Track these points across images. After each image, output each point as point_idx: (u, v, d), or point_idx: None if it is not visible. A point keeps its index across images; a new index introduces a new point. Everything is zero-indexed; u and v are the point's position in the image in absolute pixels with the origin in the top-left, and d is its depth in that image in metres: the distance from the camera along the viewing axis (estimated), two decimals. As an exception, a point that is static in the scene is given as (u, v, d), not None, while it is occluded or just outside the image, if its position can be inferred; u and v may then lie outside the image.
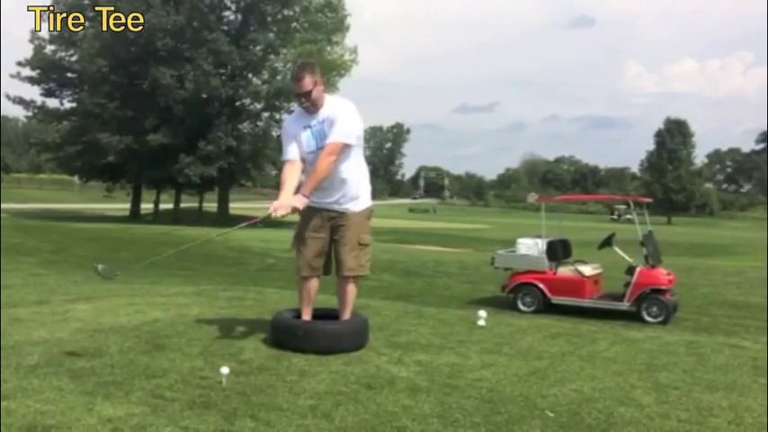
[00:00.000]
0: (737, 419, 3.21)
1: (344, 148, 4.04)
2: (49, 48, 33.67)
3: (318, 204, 4.12)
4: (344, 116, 4.06)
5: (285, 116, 34.57)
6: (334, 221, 4.17)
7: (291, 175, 4.05)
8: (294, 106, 4.30)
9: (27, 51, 33.35)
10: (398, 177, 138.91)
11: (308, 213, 4.11)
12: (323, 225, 4.15)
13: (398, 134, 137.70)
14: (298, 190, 4.00)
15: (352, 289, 4.27)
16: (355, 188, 4.19)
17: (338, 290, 4.30)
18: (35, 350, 3.80)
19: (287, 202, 3.89)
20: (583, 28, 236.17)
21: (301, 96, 4.06)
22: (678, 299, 9.03)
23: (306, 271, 4.20)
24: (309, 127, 4.09)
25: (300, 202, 3.90)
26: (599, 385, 3.65)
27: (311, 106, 4.07)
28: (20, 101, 33.60)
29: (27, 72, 33.03)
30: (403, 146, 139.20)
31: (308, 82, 3.99)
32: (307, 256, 4.18)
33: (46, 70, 33.23)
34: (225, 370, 3.34)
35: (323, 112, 4.08)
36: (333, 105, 4.11)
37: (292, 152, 4.10)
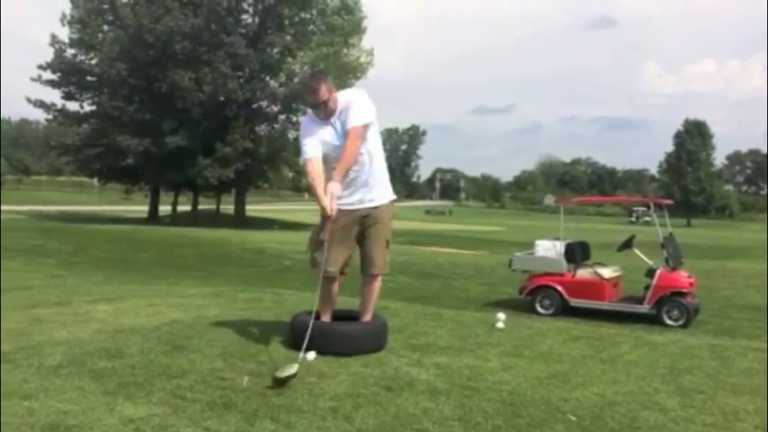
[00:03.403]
0: (764, 424, 3.16)
1: (366, 129, 4.01)
2: (70, 51, 34.04)
3: (349, 205, 4.08)
4: (356, 101, 4.05)
5: (302, 118, 34.66)
6: (365, 219, 4.14)
7: (319, 171, 3.99)
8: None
9: (48, 55, 33.74)
10: (414, 179, 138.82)
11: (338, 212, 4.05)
12: (352, 223, 4.12)
13: (414, 136, 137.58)
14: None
15: (378, 288, 4.25)
16: (382, 180, 4.22)
17: (363, 289, 4.25)
18: (57, 350, 3.82)
19: (329, 194, 3.85)
20: (602, 29, 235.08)
21: (318, 106, 4.04)
22: (699, 302, 8.92)
23: (334, 270, 4.13)
24: (331, 124, 4.06)
25: (337, 188, 3.89)
26: (621, 389, 3.60)
27: (326, 115, 4.05)
28: (40, 104, 33.98)
29: (48, 75, 33.42)
30: (419, 148, 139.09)
31: (323, 92, 3.99)
32: (336, 256, 4.11)
33: (66, 74, 33.59)
34: (311, 355, 3.70)
35: (339, 108, 4.06)
36: (344, 97, 4.10)
37: (314, 149, 4.01)
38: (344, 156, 3.92)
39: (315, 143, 4.02)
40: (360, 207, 4.13)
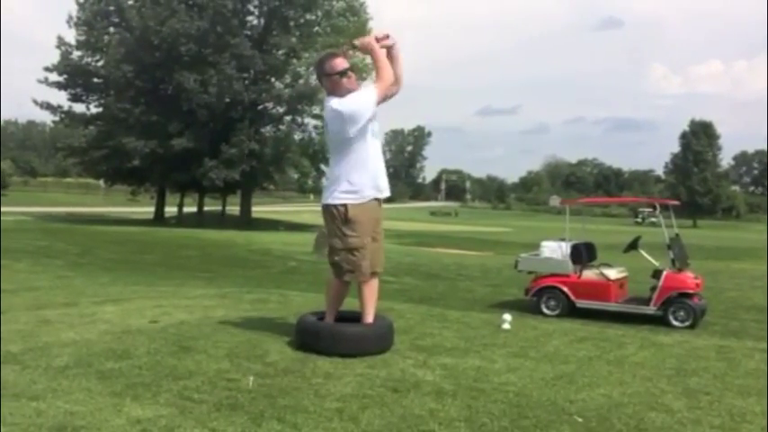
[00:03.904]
0: (771, 426, 3.14)
1: (383, 92, 4.03)
2: (76, 53, 34.20)
3: (381, 193, 4.08)
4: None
5: (309, 120, 34.73)
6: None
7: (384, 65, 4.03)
8: (321, 110, 4.29)
9: (54, 57, 33.93)
10: (419, 180, 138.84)
11: (372, 209, 4.05)
12: (378, 218, 4.13)
13: (419, 137, 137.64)
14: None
15: (377, 287, 4.21)
16: None
17: (365, 290, 4.15)
18: (64, 351, 3.84)
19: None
20: (608, 30, 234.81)
21: (347, 72, 4.00)
22: (706, 303, 8.89)
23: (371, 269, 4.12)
24: None
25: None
26: (628, 390, 3.59)
27: (353, 84, 4.02)
28: (47, 106, 34.16)
29: (54, 77, 33.58)
30: (424, 149, 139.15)
31: (343, 60, 4.04)
32: (368, 254, 4.08)
33: (73, 76, 33.74)
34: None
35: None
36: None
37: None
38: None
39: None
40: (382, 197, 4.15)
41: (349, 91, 4.01)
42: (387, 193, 4.15)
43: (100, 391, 3.15)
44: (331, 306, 4.25)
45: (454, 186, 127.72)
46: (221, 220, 34.93)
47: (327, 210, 4.09)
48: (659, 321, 8.41)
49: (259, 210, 41.60)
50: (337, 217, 4.04)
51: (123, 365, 3.59)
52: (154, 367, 3.58)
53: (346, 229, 4.02)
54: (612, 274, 8.99)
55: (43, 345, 4.01)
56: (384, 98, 4.03)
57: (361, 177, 4.01)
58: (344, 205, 4.01)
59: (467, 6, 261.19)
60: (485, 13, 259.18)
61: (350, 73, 4.02)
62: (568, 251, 9.09)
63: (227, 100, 31.60)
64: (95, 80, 34.08)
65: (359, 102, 3.94)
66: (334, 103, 3.98)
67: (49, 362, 3.61)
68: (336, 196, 4.03)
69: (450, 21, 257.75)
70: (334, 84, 4.03)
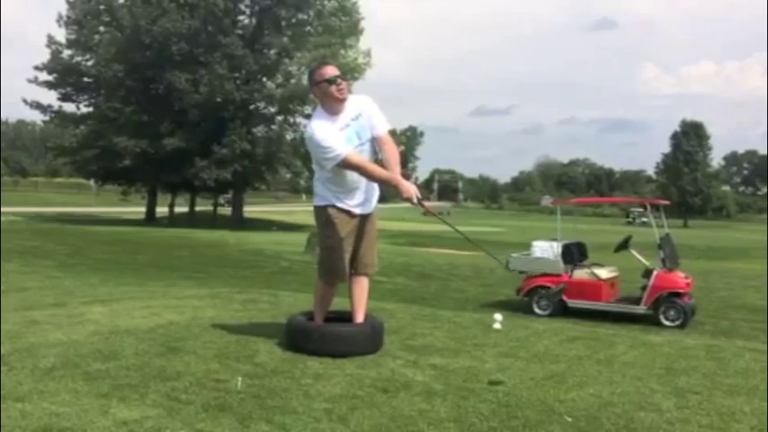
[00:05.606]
0: (760, 425, 3.15)
1: None
2: (66, 52, 34.00)
3: (353, 207, 4.09)
4: (375, 107, 4.10)
5: (301, 120, 34.67)
6: (361, 220, 4.16)
7: (366, 160, 4.00)
8: (312, 110, 4.25)
9: (44, 56, 33.72)
10: (411, 180, 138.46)
11: (343, 217, 4.06)
12: (354, 226, 4.13)
13: (411, 137, 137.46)
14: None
15: (367, 287, 4.25)
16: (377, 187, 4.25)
17: (355, 290, 4.20)
18: (51, 352, 3.80)
19: (412, 188, 4.00)
20: (602, 30, 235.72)
21: (336, 80, 3.91)
22: (696, 302, 8.93)
23: (346, 273, 4.14)
24: (347, 126, 3.98)
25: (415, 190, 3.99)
26: (617, 389, 3.59)
27: (337, 102, 3.95)
28: (37, 105, 33.95)
29: (44, 76, 33.38)
30: (416, 149, 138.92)
31: (332, 68, 4.00)
32: (346, 260, 4.11)
33: (63, 75, 33.54)
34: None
35: (350, 111, 3.99)
36: (356, 102, 4.06)
37: (344, 145, 3.90)
38: (393, 158, 4.03)
39: (341, 140, 3.91)
40: (366, 212, 4.17)
41: (338, 100, 3.94)
42: (357, 210, 4.10)
43: (86, 393, 3.12)
44: (318, 307, 4.25)
45: (446, 186, 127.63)
46: (213, 221, 34.82)
47: (314, 211, 4.18)
48: (650, 321, 8.44)
49: (251, 210, 41.49)
50: (320, 218, 4.11)
51: (110, 366, 3.56)
52: (141, 368, 3.55)
53: (326, 230, 4.09)
54: (603, 273, 9.02)
55: (30, 346, 3.97)
56: (350, 165, 3.91)
57: (337, 186, 4.04)
58: (324, 207, 4.06)
59: (460, 6, 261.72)
60: (478, 13, 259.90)
61: (339, 81, 3.94)
62: (560, 251, 9.11)
63: (219, 100, 31.48)
64: (86, 79, 33.88)
65: (329, 146, 3.86)
66: (311, 127, 3.96)
67: (35, 363, 3.58)
68: (320, 197, 4.10)
69: (444, 20, 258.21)
70: (323, 92, 3.96)
